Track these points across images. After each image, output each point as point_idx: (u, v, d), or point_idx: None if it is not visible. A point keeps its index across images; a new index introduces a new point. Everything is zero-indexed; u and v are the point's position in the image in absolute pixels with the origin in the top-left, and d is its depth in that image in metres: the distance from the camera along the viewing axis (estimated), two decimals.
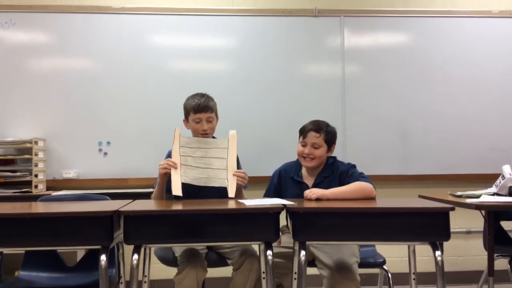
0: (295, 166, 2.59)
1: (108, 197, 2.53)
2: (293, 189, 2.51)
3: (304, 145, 2.48)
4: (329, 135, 2.48)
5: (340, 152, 2.62)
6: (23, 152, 3.30)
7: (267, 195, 2.59)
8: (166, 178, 2.39)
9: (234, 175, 2.40)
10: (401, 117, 3.72)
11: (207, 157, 2.43)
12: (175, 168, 2.36)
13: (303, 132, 2.50)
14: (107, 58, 3.58)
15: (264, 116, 3.64)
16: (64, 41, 3.57)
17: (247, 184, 2.48)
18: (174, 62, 3.64)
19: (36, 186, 3.28)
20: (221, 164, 2.43)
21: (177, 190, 2.32)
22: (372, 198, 2.30)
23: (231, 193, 2.37)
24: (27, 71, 3.53)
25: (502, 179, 2.64)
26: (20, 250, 2.35)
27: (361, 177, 2.37)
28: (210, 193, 2.41)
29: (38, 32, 3.57)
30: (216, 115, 2.58)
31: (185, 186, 2.36)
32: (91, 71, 3.58)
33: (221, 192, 2.42)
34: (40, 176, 3.36)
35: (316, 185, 2.46)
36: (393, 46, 3.78)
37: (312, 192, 2.25)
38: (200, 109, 2.49)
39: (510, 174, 2.62)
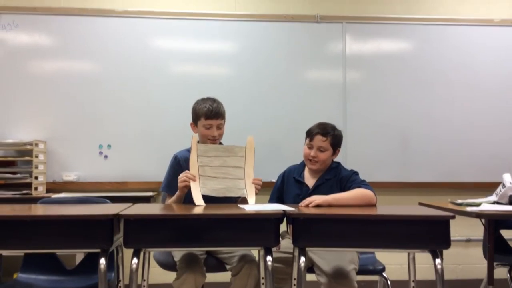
0: (299, 167, 2.61)
1: (108, 200, 2.53)
2: (294, 189, 2.52)
3: (310, 148, 2.49)
4: (335, 139, 2.49)
5: (340, 158, 2.62)
6: (23, 154, 3.30)
7: (271, 198, 2.61)
8: (186, 191, 2.36)
9: (252, 183, 2.39)
10: (402, 124, 3.72)
11: (225, 166, 2.39)
12: (194, 180, 2.33)
13: (310, 134, 2.51)
14: (109, 61, 3.59)
15: (265, 121, 3.64)
16: (66, 43, 3.58)
17: None
18: (176, 66, 3.65)
19: (36, 188, 3.28)
20: (239, 173, 2.40)
21: (199, 201, 2.29)
22: (373, 205, 2.31)
23: (252, 201, 2.35)
24: (28, 73, 3.54)
25: (503, 188, 2.64)
26: (19, 253, 2.35)
27: (362, 184, 2.38)
28: (230, 200, 2.41)
29: (40, 34, 3.58)
30: (224, 121, 2.58)
31: (204, 195, 2.35)
32: (93, 74, 3.58)
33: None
34: (40, 178, 3.36)
35: (316, 187, 2.47)
36: (394, 53, 3.78)
37: (313, 199, 2.24)
38: (212, 115, 2.47)
39: (510, 182, 2.62)
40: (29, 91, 3.53)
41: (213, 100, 2.54)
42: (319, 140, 2.47)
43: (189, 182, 2.32)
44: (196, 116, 2.53)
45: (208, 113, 2.47)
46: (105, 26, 3.61)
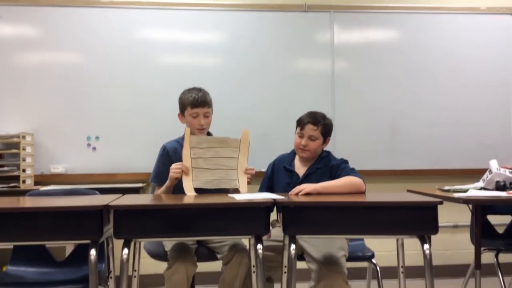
0: (289, 156, 2.62)
1: (97, 192, 2.52)
2: (285, 178, 2.53)
3: (301, 136, 2.50)
4: (325, 128, 2.51)
5: (330, 147, 2.63)
6: (10, 147, 3.27)
7: (261, 187, 2.62)
8: (176, 182, 2.36)
9: (245, 173, 2.40)
10: (390, 113, 3.75)
11: (218, 157, 2.39)
12: (187, 173, 2.33)
13: (301, 123, 2.51)
14: (95, 52, 3.56)
15: (254, 111, 3.64)
16: (52, 35, 3.54)
17: None
18: (163, 56, 3.63)
19: (24, 181, 3.26)
20: (232, 163, 2.41)
21: (190, 191, 2.30)
22: (362, 193, 2.33)
23: (243, 191, 2.36)
24: (14, 65, 3.50)
25: (489, 174, 2.67)
26: (8, 245, 2.33)
27: (352, 172, 2.40)
28: (222, 191, 2.41)
29: (25, 25, 3.53)
30: (212, 110, 2.58)
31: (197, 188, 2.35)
32: (80, 65, 3.55)
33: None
34: (28, 171, 3.34)
35: (307, 175, 2.49)
36: (382, 42, 3.80)
37: (302, 187, 2.26)
38: (198, 104, 2.47)
39: (497, 168, 2.65)
40: (15, 83, 3.49)
41: (199, 89, 2.54)
42: (310, 129, 2.48)
43: (181, 174, 2.32)
44: (183, 105, 2.53)
45: (194, 102, 2.47)
46: (91, 17, 3.57)
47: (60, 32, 3.54)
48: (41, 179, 3.44)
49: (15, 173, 3.22)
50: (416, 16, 3.80)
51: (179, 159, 2.39)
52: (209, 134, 2.62)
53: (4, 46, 3.49)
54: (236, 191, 2.40)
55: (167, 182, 2.38)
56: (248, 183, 2.42)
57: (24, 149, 3.28)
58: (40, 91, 3.51)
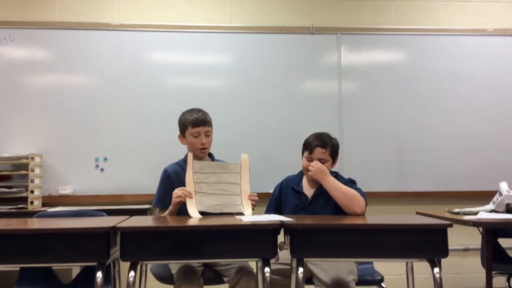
0: (297, 177, 2.61)
1: (104, 213, 2.52)
2: (293, 200, 2.52)
3: (310, 160, 2.49)
4: (333, 149, 2.51)
5: (338, 168, 2.62)
6: (19, 168, 3.29)
7: (268, 209, 2.60)
8: (179, 207, 2.35)
9: (248, 199, 2.39)
10: (398, 134, 3.74)
11: (221, 183, 2.39)
12: (190, 197, 2.32)
13: (309, 147, 2.50)
14: (105, 74, 3.60)
15: (261, 132, 3.64)
16: (62, 57, 3.59)
17: None
18: (172, 78, 3.66)
19: (32, 202, 3.26)
20: (235, 189, 2.41)
21: (195, 215, 2.29)
22: (356, 213, 2.32)
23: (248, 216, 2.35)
24: (24, 87, 3.54)
25: (499, 196, 2.64)
26: (15, 267, 2.33)
27: (358, 191, 2.39)
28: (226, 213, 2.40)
29: (36, 48, 3.59)
30: (212, 129, 2.58)
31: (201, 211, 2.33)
32: (89, 87, 3.59)
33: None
34: (36, 192, 3.35)
35: (315, 196, 2.48)
36: (389, 63, 3.81)
37: (318, 166, 2.39)
38: (198, 123, 2.48)
39: (507, 191, 2.62)
40: (25, 105, 3.53)
41: (198, 110, 2.55)
42: (319, 152, 2.47)
43: (184, 198, 2.31)
44: (183, 126, 2.53)
45: (195, 121, 2.48)
46: (101, 40, 3.62)
47: (70, 54, 3.59)
48: (49, 201, 3.45)
49: (23, 194, 3.23)
50: (423, 38, 3.82)
51: (180, 181, 2.38)
52: (210, 155, 2.61)
53: (16, 68, 3.54)
54: (241, 215, 2.38)
55: (170, 207, 2.36)
56: (252, 209, 2.40)
57: (32, 170, 3.30)
58: (50, 112, 3.54)
